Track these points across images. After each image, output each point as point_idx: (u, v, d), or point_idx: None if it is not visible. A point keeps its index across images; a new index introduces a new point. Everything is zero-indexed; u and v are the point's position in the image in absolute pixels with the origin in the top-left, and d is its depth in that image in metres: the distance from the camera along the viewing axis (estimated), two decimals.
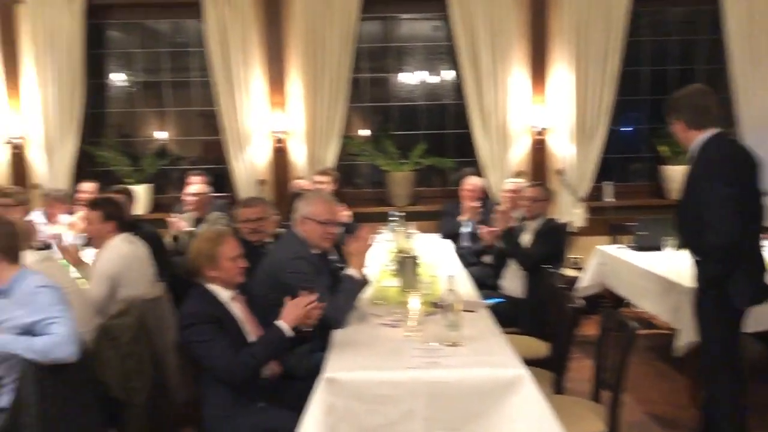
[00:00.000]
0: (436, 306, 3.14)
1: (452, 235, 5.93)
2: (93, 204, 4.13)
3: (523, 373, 2.50)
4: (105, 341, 3.09)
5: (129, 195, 5.17)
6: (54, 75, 6.49)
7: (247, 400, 2.87)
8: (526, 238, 4.73)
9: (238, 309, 3.01)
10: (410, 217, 5.57)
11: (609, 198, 6.67)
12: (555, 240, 4.67)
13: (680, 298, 3.97)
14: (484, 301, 3.65)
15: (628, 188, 6.91)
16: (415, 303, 2.98)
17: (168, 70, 7.07)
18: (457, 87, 6.80)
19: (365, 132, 7.15)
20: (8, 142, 6.61)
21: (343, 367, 2.58)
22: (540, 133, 6.59)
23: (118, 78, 7.19)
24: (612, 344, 2.98)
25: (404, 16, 7.08)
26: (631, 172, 7.19)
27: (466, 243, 5.88)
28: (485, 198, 6.24)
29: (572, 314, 3.34)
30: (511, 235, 4.65)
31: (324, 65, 6.46)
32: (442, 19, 6.80)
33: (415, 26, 7.19)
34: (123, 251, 3.92)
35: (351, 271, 3.28)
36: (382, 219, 5.82)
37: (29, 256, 3.16)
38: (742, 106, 6.48)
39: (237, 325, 2.95)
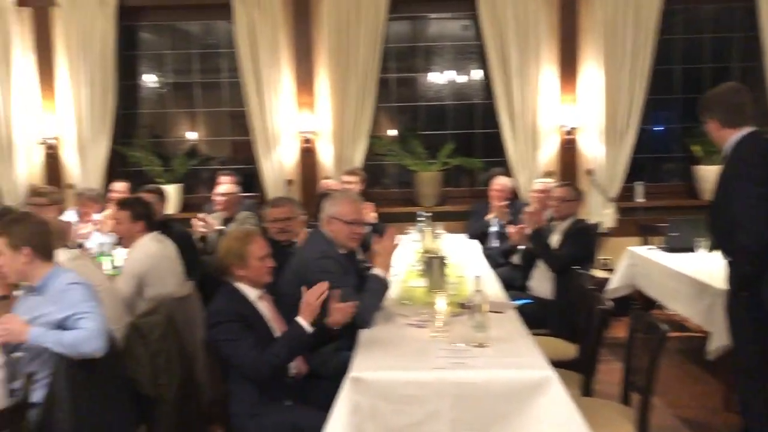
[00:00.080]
0: (463, 307, 3.13)
1: (480, 235, 5.90)
2: (122, 204, 4.20)
3: (551, 374, 2.48)
4: (135, 338, 3.13)
5: (161, 195, 5.25)
6: (87, 76, 6.61)
7: (274, 398, 2.90)
8: (554, 239, 4.69)
9: (265, 308, 3.04)
10: (438, 218, 5.55)
11: (640, 198, 6.59)
12: (584, 241, 4.62)
13: (713, 300, 3.90)
14: (512, 302, 3.62)
15: (660, 188, 6.81)
16: (441, 303, 2.97)
17: (198, 71, 7.15)
18: (486, 86, 6.77)
19: (393, 132, 7.15)
20: (43, 143, 6.75)
21: (370, 367, 2.58)
22: (569, 133, 6.53)
23: (149, 79, 7.29)
24: (642, 346, 2.94)
25: (433, 15, 7.07)
26: (663, 172, 7.09)
27: (494, 243, 5.85)
28: (514, 198, 6.20)
29: (601, 316, 3.29)
30: (539, 235, 4.61)
31: (352, 65, 6.48)
32: (470, 18, 6.77)
33: (443, 26, 7.18)
34: (151, 250, 3.99)
35: (377, 271, 3.27)
36: (410, 219, 5.82)
37: (62, 255, 3.22)
38: None
39: (264, 323, 2.97)
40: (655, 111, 6.82)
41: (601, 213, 6.47)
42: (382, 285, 3.27)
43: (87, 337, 2.61)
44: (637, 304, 5.36)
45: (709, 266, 4.18)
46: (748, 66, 6.68)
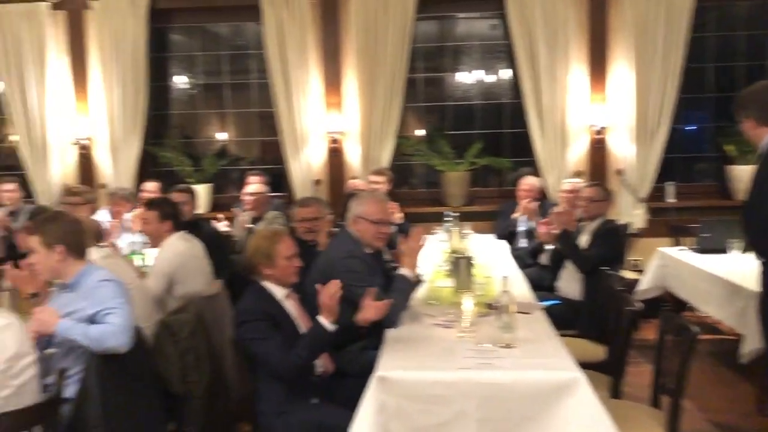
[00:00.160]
0: (491, 307, 3.12)
1: (508, 235, 5.87)
2: (149, 204, 4.27)
3: (579, 375, 2.45)
4: (165, 336, 3.17)
5: (191, 194, 5.32)
6: (119, 78, 6.72)
7: (301, 396, 2.91)
8: (583, 240, 4.64)
9: (292, 307, 3.06)
10: (465, 218, 5.53)
11: (671, 199, 6.49)
12: (613, 241, 4.57)
13: (746, 302, 3.83)
14: (540, 303, 3.60)
15: (692, 188, 6.70)
16: (468, 304, 2.97)
17: (228, 73, 7.23)
18: (514, 85, 6.73)
19: (420, 132, 7.14)
20: (76, 143, 6.87)
21: (396, 366, 2.59)
22: (599, 132, 6.46)
23: (180, 80, 7.39)
24: (672, 348, 2.90)
25: (461, 15, 7.05)
26: (695, 172, 6.97)
27: (522, 243, 5.81)
28: (542, 198, 6.16)
29: (630, 317, 3.25)
30: (568, 236, 4.57)
31: (380, 66, 6.49)
32: (499, 17, 6.73)
33: (471, 25, 7.15)
34: (179, 249, 4.05)
35: (404, 271, 3.28)
36: (437, 219, 5.81)
37: (94, 253, 3.28)
38: None
39: (291, 322, 3.00)
40: (687, 110, 6.71)
41: (631, 213, 6.39)
42: (409, 285, 3.27)
43: (112, 332, 2.65)
44: (668, 305, 5.29)
45: (742, 268, 4.11)
46: None
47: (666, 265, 5.31)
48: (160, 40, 7.11)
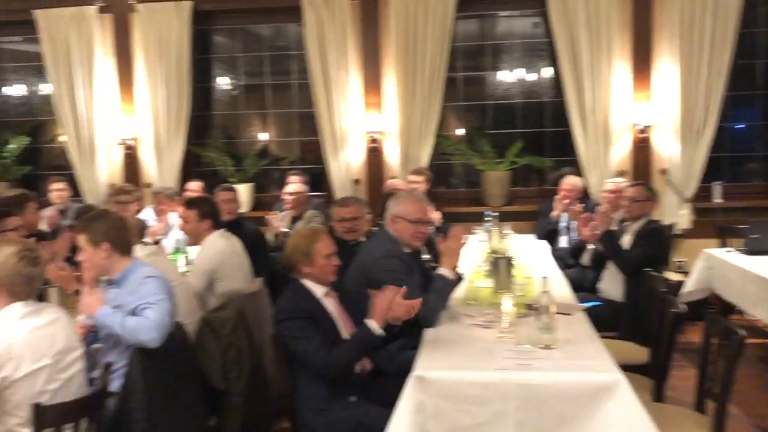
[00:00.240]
0: (530, 308, 3.09)
1: (548, 235, 5.80)
2: (189, 203, 4.35)
3: (620, 378, 2.42)
4: (206, 333, 3.23)
5: (235, 193, 5.40)
6: (164, 80, 6.85)
7: (339, 394, 2.93)
8: (626, 240, 4.56)
9: (331, 305, 3.08)
10: (505, 218, 5.48)
11: (718, 199, 6.33)
12: (657, 242, 4.48)
13: None
14: (580, 304, 3.55)
15: (740, 188, 6.53)
16: (508, 304, 2.95)
17: (269, 74, 7.31)
18: (556, 84, 6.65)
19: (460, 131, 7.11)
20: (122, 144, 7.04)
21: (434, 366, 2.58)
22: (643, 131, 6.34)
23: (222, 81, 7.50)
24: (718, 352, 2.83)
25: (502, 13, 6.99)
26: (744, 171, 6.79)
27: (563, 244, 5.74)
28: (584, 198, 6.07)
29: (674, 319, 3.19)
30: (611, 236, 4.49)
31: (419, 65, 6.49)
32: (540, 15, 6.66)
33: (512, 23, 7.09)
34: (219, 247, 4.12)
35: (443, 271, 3.26)
36: (477, 219, 5.77)
37: (139, 251, 3.35)
38: None
39: (330, 320, 3.02)
40: (736, 108, 6.55)
41: (676, 214, 6.26)
42: (448, 284, 3.26)
43: (146, 326, 2.69)
44: (714, 308, 5.17)
45: None
46: None
47: (712, 266, 5.19)
48: (203, 42, 7.23)
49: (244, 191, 6.76)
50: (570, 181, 5.98)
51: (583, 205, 5.69)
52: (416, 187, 5.83)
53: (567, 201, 5.74)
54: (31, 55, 7.39)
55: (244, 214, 6.09)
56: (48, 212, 5.74)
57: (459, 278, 3.42)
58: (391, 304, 2.85)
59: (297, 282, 3.05)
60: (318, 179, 6.89)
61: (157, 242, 5.04)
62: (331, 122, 6.66)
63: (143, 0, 6.82)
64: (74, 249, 3.20)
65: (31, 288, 2.52)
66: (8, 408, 2.36)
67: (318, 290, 3.05)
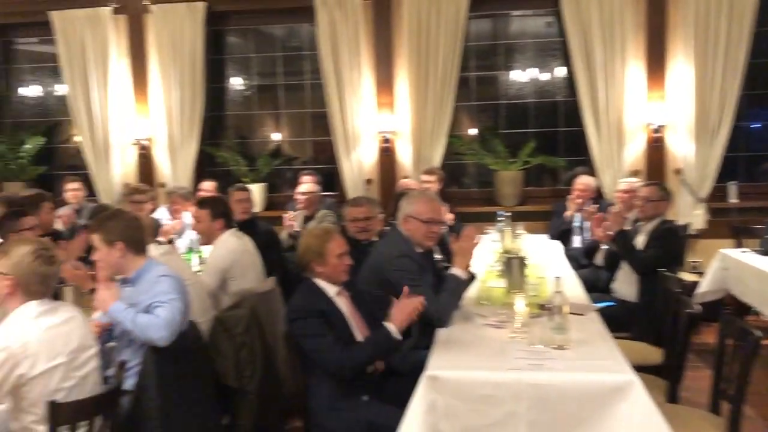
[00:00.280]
0: (543, 308, 3.08)
1: (562, 235, 5.78)
2: (201, 203, 4.37)
3: (633, 378, 2.40)
4: (220, 332, 3.25)
5: (249, 193, 5.43)
6: (177, 80, 6.89)
7: (352, 393, 2.93)
8: (640, 240, 4.54)
9: (343, 304, 3.08)
10: (518, 217, 5.48)
11: (733, 199, 6.28)
12: (671, 242, 4.45)
13: None
14: (594, 305, 3.53)
15: (756, 188, 6.46)
16: (520, 304, 2.94)
17: (282, 74, 7.33)
18: (569, 83, 6.62)
19: (473, 131, 7.10)
20: (136, 144, 7.08)
21: (446, 366, 2.58)
22: (657, 131, 6.30)
23: (236, 82, 7.53)
24: (733, 353, 2.81)
25: (515, 13, 6.97)
26: (760, 171, 6.72)
27: (576, 244, 5.72)
28: (598, 198, 6.04)
29: (688, 319, 3.17)
30: (624, 237, 4.47)
31: (432, 65, 6.48)
32: (553, 14, 6.64)
33: (525, 23, 7.07)
34: (231, 246, 4.15)
35: (455, 271, 3.26)
36: (490, 219, 5.76)
37: (153, 250, 3.37)
38: None
39: (343, 319, 3.02)
40: (751, 107, 6.49)
41: (691, 214, 6.21)
42: (461, 284, 3.26)
43: (156, 324, 2.71)
44: (729, 309, 5.13)
45: None
46: None
47: (727, 267, 5.15)
48: (216, 43, 7.26)
49: (257, 191, 6.78)
50: (583, 181, 5.95)
51: (597, 205, 5.67)
52: (429, 186, 5.83)
53: (580, 201, 5.72)
54: (47, 56, 7.46)
55: (257, 213, 6.11)
56: (63, 212, 5.80)
57: (472, 277, 3.41)
58: (414, 312, 2.85)
59: (309, 281, 3.06)
60: (330, 179, 6.90)
61: (170, 241, 5.08)
62: (343, 122, 6.68)
63: (157, 1, 6.86)
64: (89, 248, 3.23)
65: (47, 287, 2.54)
66: (24, 405, 2.39)
67: (330, 289, 3.05)
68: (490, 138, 6.77)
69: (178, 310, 2.78)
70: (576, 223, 5.79)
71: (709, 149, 6.16)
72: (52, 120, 7.68)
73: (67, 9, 6.98)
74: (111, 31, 6.97)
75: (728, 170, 6.32)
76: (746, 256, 4.99)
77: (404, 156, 6.69)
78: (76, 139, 7.38)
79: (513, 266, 3.60)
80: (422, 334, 3.07)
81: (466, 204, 6.62)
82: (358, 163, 6.71)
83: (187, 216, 5.59)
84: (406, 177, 6.42)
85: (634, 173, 6.21)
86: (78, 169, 7.22)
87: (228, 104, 7.51)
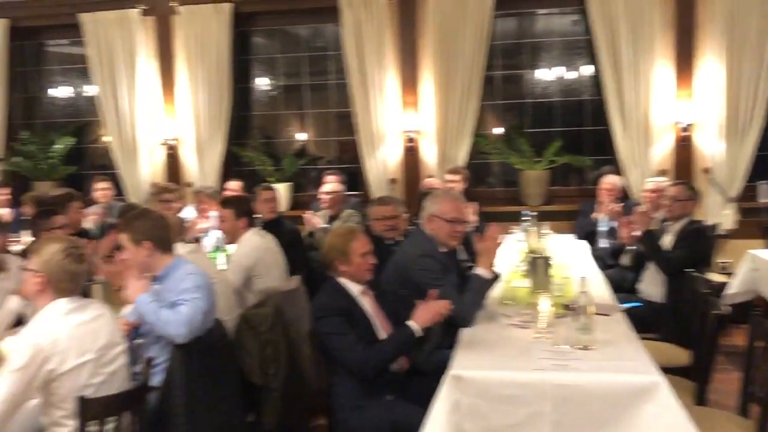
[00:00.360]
0: (568, 308, 3.06)
1: (588, 235, 5.73)
2: (225, 203, 4.42)
3: (660, 380, 2.38)
4: (245, 330, 3.28)
5: (275, 193, 5.47)
6: (204, 81, 6.96)
7: (376, 392, 2.95)
8: (667, 240, 4.48)
9: (367, 303, 3.09)
10: (544, 217, 5.43)
11: (764, 198, 6.17)
12: (699, 243, 4.38)
13: None
14: (620, 305, 3.50)
15: None
16: (545, 304, 2.92)
17: (307, 74, 7.36)
18: (596, 82, 6.56)
19: (498, 130, 7.07)
20: (164, 144, 7.17)
21: (470, 365, 2.58)
22: (685, 130, 6.21)
23: (261, 82, 7.59)
24: (763, 355, 2.76)
25: (541, 11, 6.93)
26: None
27: (602, 244, 5.66)
28: (624, 197, 5.98)
29: (716, 321, 3.12)
30: (651, 236, 4.42)
31: (457, 64, 6.47)
32: (580, 13, 6.58)
33: (551, 21, 7.02)
34: (254, 244, 4.20)
35: (479, 270, 3.25)
36: (515, 218, 5.73)
37: (180, 248, 3.41)
38: None
39: (366, 318, 3.03)
40: None
41: (720, 214, 6.11)
42: (484, 284, 3.25)
43: (177, 321, 2.75)
44: (759, 310, 5.04)
45: None
46: None
47: (757, 268, 5.06)
48: (242, 43, 7.31)
49: (282, 191, 6.82)
50: (609, 181, 5.90)
51: (622, 204, 5.61)
52: (453, 186, 5.82)
53: (610, 203, 5.64)
54: (77, 58, 7.59)
55: (283, 213, 6.15)
56: (92, 211, 5.89)
57: (496, 277, 3.40)
58: (439, 313, 2.86)
59: (334, 280, 3.07)
60: (354, 178, 6.92)
61: (197, 240, 5.13)
62: (368, 122, 6.69)
63: (185, 2, 6.94)
64: (117, 247, 3.27)
65: (76, 284, 2.58)
66: (54, 400, 2.43)
67: (354, 288, 3.07)
68: (516, 137, 6.73)
69: (199, 310, 2.81)
70: (602, 226, 5.73)
71: (739, 148, 6.06)
72: (82, 120, 7.81)
73: (96, 11, 7.09)
74: (139, 32, 7.06)
75: (759, 169, 6.20)
76: None
77: (429, 155, 6.68)
78: (105, 139, 7.49)
79: (538, 266, 3.58)
80: (446, 333, 3.07)
81: (492, 203, 6.59)
82: (382, 162, 6.72)
83: (215, 215, 5.64)
84: (430, 176, 6.41)
85: (662, 172, 6.13)
86: (107, 168, 7.34)
87: (254, 104, 7.57)
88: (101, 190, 6.36)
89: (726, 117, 6.05)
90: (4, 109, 7.45)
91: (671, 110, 6.22)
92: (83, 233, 4.79)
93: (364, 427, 2.88)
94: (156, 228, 3.00)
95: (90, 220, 5.57)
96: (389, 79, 6.65)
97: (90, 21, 7.11)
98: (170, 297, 2.87)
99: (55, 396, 2.43)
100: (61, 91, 7.96)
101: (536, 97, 6.96)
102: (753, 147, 6.06)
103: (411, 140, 6.67)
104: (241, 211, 4.28)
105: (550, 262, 3.64)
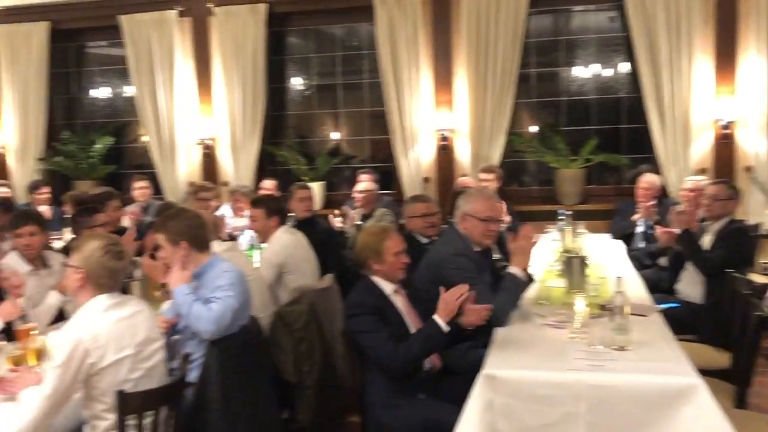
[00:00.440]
0: (604, 308, 3.03)
1: (624, 236, 5.64)
2: (255, 203, 4.46)
3: (698, 382, 2.33)
4: (280, 327, 3.31)
5: (311, 192, 5.51)
6: (240, 81, 7.04)
7: (409, 391, 2.95)
8: (706, 240, 4.39)
9: (400, 302, 3.10)
10: (579, 216, 5.37)
11: None
12: (739, 242, 4.28)
13: None
14: (656, 305, 3.44)
15: None
16: (581, 304, 2.89)
17: (341, 73, 7.40)
18: (633, 79, 6.46)
19: (534, 128, 7.01)
20: (200, 143, 7.27)
21: (503, 365, 2.57)
22: (726, 127, 6.08)
23: (296, 82, 7.64)
24: None
25: (577, 8, 6.84)
26: None
27: (639, 244, 5.57)
28: (662, 197, 5.88)
29: (758, 323, 3.05)
30: (690, 236, 4.34)
31: (491, 62, 6.43)
32: (616, 9, 6.49)
33: (587, 18, 6.93)
34: (286, 241, 4.25)
35: (513, 270, 3.23)
36: (550, 218, 5.67)
37: (216, 246, 3.46)
38: None
39: (399, 317, 3.04)
40: None
41: (763, 213, 5.97)
42: (518, 284, 3.22)
43: (207, 317, 2.79)
44: None
45: None
46: None
47: None
48: (277, 44, 7.38)
49: (316, 189, 6.86)
50: (647, 179, 5.80)
51: (656, 202, 5.52)
52: (487, 185, 5.79)
53: (649, 204, 5.54)
54: (116, 59, 7.74)
55: (317, 212, 6.19)
56: (131, 209, 6.00)
57: (530, 279, 3.37)
58: (458, 301, 2.85)
59: (367, 278, 3.08)
60: (388, 177, 6.93)
61: (233, 238, 5.20)
62: (401, 120, 6.69)
63: (220, 4, 7.02)
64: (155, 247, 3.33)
65: (115, 281, 2.63)
66: (95, 394, 2.49)
67: (387, 287, 3.07)
68: (551, 135, 6.67)
69: (229, 308, 2.84)
70: (640, 228, 5.63)
71: None
72: (121, 121, 7.97)
73: (135, 13, 7.22)
74: (176, 33, 7.17)
75: None
76: None
77: (462, 154, 6.66)
78: (144, 139, 7.63)
79: (573, 266, 3.54)
80: (480, 333, 3.05)
81: (527, 202, 6.54)
82: (415, 161, 6.72)
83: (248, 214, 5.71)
84: (464, 175, 6.39)
85: (701, 171, 6.02)
86: (145, 168, 7.47)
87: (288, 104, 7.63)
88: (140, 189, 6.48)
89: None
90: (45, 109, 7.63)
91: (711, 107, 6.09)
92: (122, 231, 4.88)
93: (396, 426, 2.89)
94: (192, 227, 3.04)
95: (128, 218, 5.67)
96: (423, 77, 6.65)
97: (128, 23, 7.25)
98: (205, 293, 2.91)
99: (96, 390, 2.48)
100: (101, 92, 8.14)
101: (572, 95, 6.88)
102: None
103: (445, 139, 6.65)
104: (271, 210, 4.33)
105: (586, 262, 3.60)
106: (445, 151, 6.68)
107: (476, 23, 6.44)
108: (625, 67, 6.69)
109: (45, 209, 6.14)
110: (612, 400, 2.38)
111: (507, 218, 5.27)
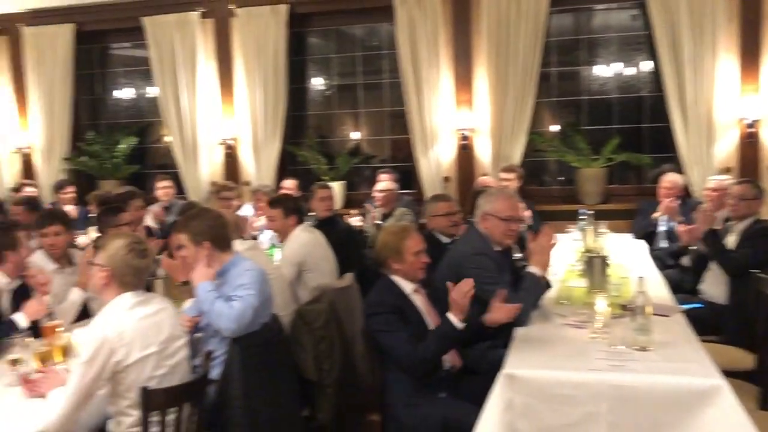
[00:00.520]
0: (625, 308, 3.01)
1: (647, 235, 5.60)
2: (273, 203, 4.49)
3: (721, 383, 2.32)
4: (300, 325, 3.33)
5: (331, 191, 5.54)
6: (261, 81, 7.08)
7: (429, 390, 2.96)
8: (731, 240, 4.34)
9: (420, 302, 3.10)
10: (601, 216, 5.33)
11: None
12: (765, 243, 4.23)
13: None
14: (679, 306, 3.41)
15: None
16: (602, 304, 2.88)
17: (361, 73, 7.41)
18: (655, 78, 6.40)
19: (555, 127, 6.97)
20: (222, 143, 7.33)
21: (524, 365, 2.57)
22: (751, 126, 6.00)
23: (317, 82, 7.68)
24: None
25: (598, 6, 6.79)
26: None
27: (662, 244, 5.52)
28: (685, 196, 5.82)
29: None
30: (714, 236, 4.29)
31: (512, 61, 6.41)
32: (638, 7, 6.44)
33: (609, 16, 6.88)
34: (304, 240, 4.29)
35: (533, 270, 3.22)
36: (571, 217, 5.64)
37: (238, 245, 3.49)
38: None
39: (419, 316, 3.04)
40: None
41: None
42: (538, 283, 3.22)
43: (228, 315, 2.81)
44: None
45: None
46: None
47: None
48: (298, 44, 7.41)
49: (336, 189, 6.89)
50: (670, 179, 5.74)
51: (679, 201, 5.46)
52: (507, 184, 5.78)
53: (669, 201, 5.49)
54: (139, 60, 7.83)
55: (337, 211, 6.22)
56: (154, 209, 6.08)
57: (548, 285, 3.34)
58: (467, 296, 2.84)
59: (386, 278, 3.10)
60: (408, 177, 6.94)
61: (254, 237, 5.24)
62: (421, 120, 6.69)
63: (242, 5, 7.08)
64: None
65: (140, 279, 2.67)
66: (120, 390, 2.53)
67: (407, 286, 3.08)
68: (572, 134, 6.63)
69: (250, 306, 2.86)
70: (662, 226, 5.59)
71: None
72: (144, 121, 8.06)
73: (158, 14, 7.30)
74: (199, 34, 7.23)
75: None
76: None
77: (483, 153, 6.64)
78: (167, 139, 7.71)
79: (595, 265, 3.52)
80: (500, 332, 3.05)
81: (547, 202, 6.51)
82: (436, 160, 6.72)
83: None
84: (484, 175, 6.37)
85: (725, 170, 5.94)
86: (168, 167, 7.55)
87: (309, 104, 7.67)
88: (163, 188, 6.55)
89: None
90: (71, 110, 7.74)
91: (736, 106, 6.02)
92: (146, 230, 4.95)
93: (416, 424, 2.90)
94: (214, 227, 3.07)
95: (151, 217, 5.75)
96: (443, 77, 6.64)
97: (151, 24, 7.32)
98: (228, 291, 2.94)
99: (121, 386, 2.52)
100: (125, 93, 8.24)
101: (593, 94, 6.83)
102: None
103: (465, 138, 6.64)
104: (289, 210, 4.36)
105: (607, 262, 3.58)
106: (465, 151, 6.67)
107: (496, 22, 6.42)
108: (647, 65, 6.63)
109: (70, 208, 6.24)
110: (633, 400, 2.37)
111: (527, 213, 5.26)
